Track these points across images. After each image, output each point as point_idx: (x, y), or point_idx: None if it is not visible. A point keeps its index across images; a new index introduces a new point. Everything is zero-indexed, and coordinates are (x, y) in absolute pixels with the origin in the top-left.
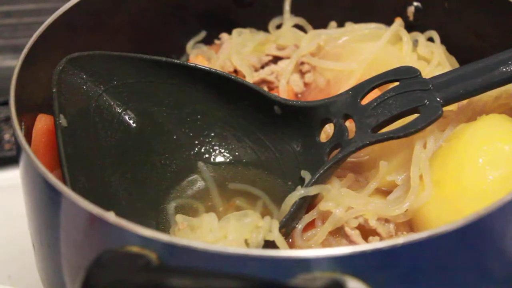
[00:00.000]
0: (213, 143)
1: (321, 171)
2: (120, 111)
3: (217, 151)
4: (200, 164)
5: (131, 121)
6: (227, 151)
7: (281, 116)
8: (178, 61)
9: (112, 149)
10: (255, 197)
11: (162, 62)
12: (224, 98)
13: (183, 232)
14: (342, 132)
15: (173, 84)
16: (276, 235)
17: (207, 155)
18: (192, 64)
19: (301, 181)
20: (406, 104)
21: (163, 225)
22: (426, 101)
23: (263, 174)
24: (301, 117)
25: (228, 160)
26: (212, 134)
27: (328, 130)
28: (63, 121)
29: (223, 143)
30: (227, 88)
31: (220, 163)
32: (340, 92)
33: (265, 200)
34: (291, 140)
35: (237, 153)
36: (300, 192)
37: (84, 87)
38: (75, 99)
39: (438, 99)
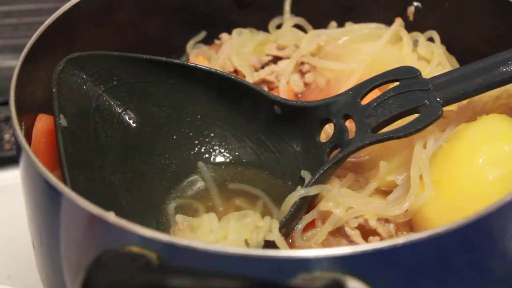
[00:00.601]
0: (213, 143)
1: (321, 171)
2: (120, 111)
3: (217, 151)
4: (200, 164)
5: (131, 121)
6: (227, 151)
7: (281, 116)
8: (178, 61)
9: (112, 149)
10: (255, 197)
11: (162, 62)
12: (224, 98)
13: (183, 232)
14: (342, 132)
15: (173, 84)
16: (276, 235)
17: (207, 155)
18: (192, 64)
19: (301, 181)
20: (406, 104)
21: (163, 225)
22: (426, 101)
23: (263, 174)
24: (301, 117)
25: (228, 160)
26: (212, 134)
27: (328, 130)
28: (63, 121)
29: (223, 143)
30: (227, 88)
31: (220, 163)
32: (340, 92)
33: (265, 200)
34: (291, 140)
35: (237, 153)
36: (300, 192)
37: (84, 87)
38: (75, 99)
39: (438, 99)
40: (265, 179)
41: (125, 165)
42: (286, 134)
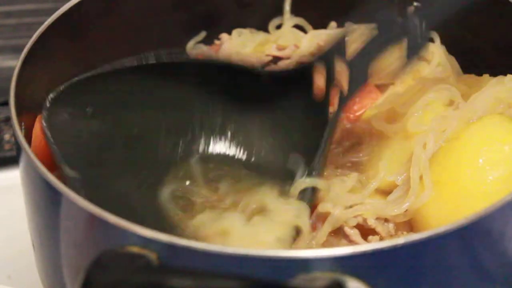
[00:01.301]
0: (208, 140)
1: (320, 153)
2: (115, 114)
3: (211, 149)
4: (195, 162)
5: (127, 122)
6: (223, 149)
7: (278, 113)
8: (161, 61)
9: (111, 149)
10: (254, 196)
11: (143, 66)
12: (220, 95)
13: (213, 239)
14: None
15: (163, 84)
16: (305, 222)
17: (201, 153)
18: (169, 61)
19: (298, 177)
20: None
21: (163, 225)
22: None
23: (260, 172)
24: (295, 85)
25: (223, 157)
26: (207, 131)
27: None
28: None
29: (218, 140)
30: (220, 82)
31: (215, 161)
32: None
33: (264, 197)
34: (289, 137)
35: (232, 151)
36: (305, 181)
37: (73, 119)
38: (68, 129)
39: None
40: (262, 177)
41: (124, 165)
42: (284, 129)
